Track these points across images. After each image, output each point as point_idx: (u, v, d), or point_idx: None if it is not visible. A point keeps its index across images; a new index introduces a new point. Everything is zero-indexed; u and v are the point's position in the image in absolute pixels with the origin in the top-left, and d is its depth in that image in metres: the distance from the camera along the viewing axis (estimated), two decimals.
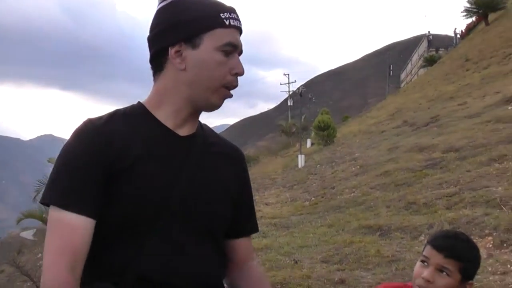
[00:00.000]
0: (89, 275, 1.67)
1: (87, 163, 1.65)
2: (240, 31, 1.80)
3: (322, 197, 14.31)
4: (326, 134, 28.04)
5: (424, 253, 2.32)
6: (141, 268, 1.67)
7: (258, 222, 2.13)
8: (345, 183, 14.75)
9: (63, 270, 1.59)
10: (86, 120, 1.76)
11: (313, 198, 14.57)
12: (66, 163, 1.68)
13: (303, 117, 51.99)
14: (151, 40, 1.80)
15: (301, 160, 24.13)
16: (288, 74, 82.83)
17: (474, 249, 2.37)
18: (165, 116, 1.79)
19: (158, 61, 1.79)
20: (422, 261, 2.31)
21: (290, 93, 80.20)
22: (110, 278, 1.67)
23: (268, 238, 10.28)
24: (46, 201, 1.67)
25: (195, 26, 1.72)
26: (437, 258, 2.25)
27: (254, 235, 2.12)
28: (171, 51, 1.73)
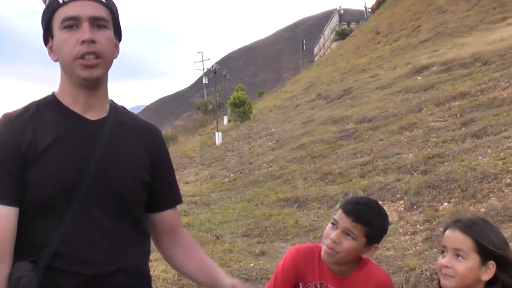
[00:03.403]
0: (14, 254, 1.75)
1: (3, 156, 1.75)
2: None
3: (241, 173, 14.39)
4: (242, 110, 28.08)
5: (335, 216, 2.45)
6: (59, 245, 1.74)
7: None
8: (262, 158, 14.87)
9: None
10: (2, 115, 1.85)
11: (231, 174, 14.62)
12: None
13: (217, 94, 51.89)
14: None
15: (218, 137, 24.06)
16: (202, 52, 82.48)
17: (382, 216, 2.49)
18: (69, 101, 1.88)
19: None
20: (332, 224, 2.44)
21: (205, 70, 79.89)
22: (30, 256, 1.74)
23: (189, 216, 10.27)
24: None
25: (46, 17, 1.85)
26: (345, 222, 2.39)
27: None
28: (47, 48, 1.88)
